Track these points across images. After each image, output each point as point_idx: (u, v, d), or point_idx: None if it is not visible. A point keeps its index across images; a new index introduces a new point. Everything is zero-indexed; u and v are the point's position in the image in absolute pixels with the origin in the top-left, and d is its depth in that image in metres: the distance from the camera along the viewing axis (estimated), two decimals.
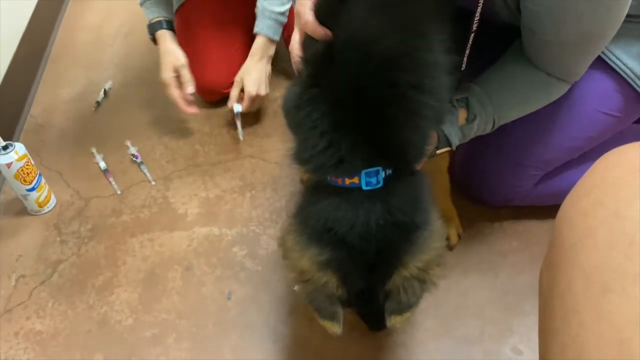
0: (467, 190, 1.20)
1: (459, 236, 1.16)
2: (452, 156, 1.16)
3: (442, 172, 1.14)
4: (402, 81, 0.74)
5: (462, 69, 0.94)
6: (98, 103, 1.57)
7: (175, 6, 1.55)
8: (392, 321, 0.80)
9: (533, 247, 1.14)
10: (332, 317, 0.80)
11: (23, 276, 1.18)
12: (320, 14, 0.83)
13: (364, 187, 0.78)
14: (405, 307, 0.80)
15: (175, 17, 1.52)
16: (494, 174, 1.13)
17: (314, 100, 0.78)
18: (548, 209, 1.08)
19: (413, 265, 0.79)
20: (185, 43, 1.46)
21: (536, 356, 0.50)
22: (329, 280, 0.79)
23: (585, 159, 1.11)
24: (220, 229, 1.23)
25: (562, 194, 0.52)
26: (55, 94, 1.62)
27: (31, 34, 1.67)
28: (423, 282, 0.80)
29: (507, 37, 0.99)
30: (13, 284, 1.16)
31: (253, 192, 1.31)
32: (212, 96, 1.55)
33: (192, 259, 1.18)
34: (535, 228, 1.18)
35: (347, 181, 0.79)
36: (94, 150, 1.43)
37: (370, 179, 0.78)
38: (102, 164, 1.39)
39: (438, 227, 0.85)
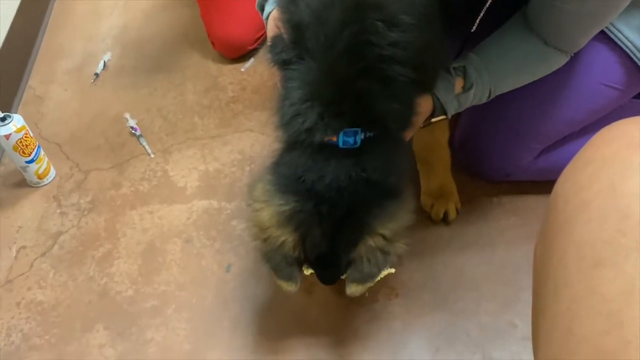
0: (467, 165, 1.19)
1: (458, 211, 1.16)
2: (453, 130, 1.15)
3: (442, 146, 1.13)
4: (370, 54, 0.74)
5: (472, 30, 0.94)
6: (96, 75, 1.55)
7: None
8: (353, 289, 0.83)
9: (532, 223, 1.14)
10: (288, 278, 0.83)
11: (24, 247, 1.19)
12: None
13: (340, 145, 0.79)
14: (367, 277, 0.82)
15: None
16: (494, 147, 1.12)
17: (289, 79, 0.80)
18: (547, 185, 1.07)
19: (380, 233, 0.81)
20: None
21: (530, 330, 0.51)
22: (287, 240, 0.81)
23: (585, 132, 1.11)
24: (220, 203, 1.24)
25: (562, 168, 0.51)
26: (54, 66, 1.61)
27: (28, 5, 1.65)
28: (387, 254, 0.82)
29: (506, 12, 0.98)
30: (14, 255, 1.17)
31: (252, 165, 1.31)
32: (235, 53, 1.52)
33: (191, 231, 1.19)
34: (534, 204, 1.17)
35: (326, 138, 0.80)
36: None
37: (348, 138, 0.79)
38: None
39: (409, 198, 0.86)
